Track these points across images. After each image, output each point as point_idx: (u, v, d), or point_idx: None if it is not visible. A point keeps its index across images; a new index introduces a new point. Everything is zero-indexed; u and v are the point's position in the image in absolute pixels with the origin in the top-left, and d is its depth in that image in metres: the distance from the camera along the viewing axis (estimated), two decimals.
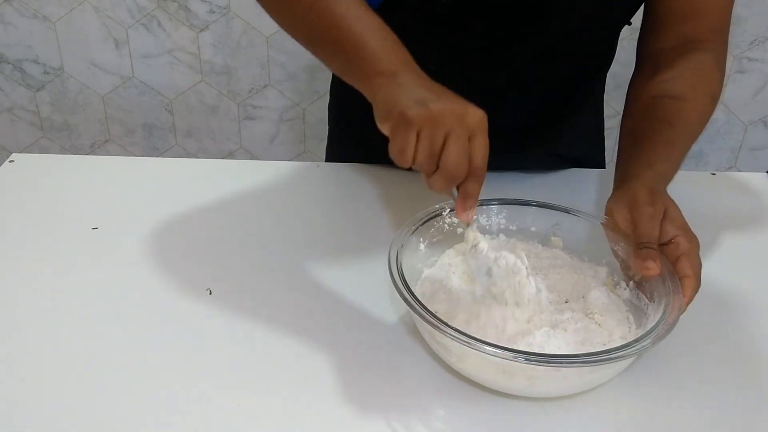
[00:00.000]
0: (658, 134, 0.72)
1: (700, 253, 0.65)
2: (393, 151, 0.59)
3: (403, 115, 0.57)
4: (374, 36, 0.63)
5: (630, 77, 0.85)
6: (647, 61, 0.81)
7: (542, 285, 0.65)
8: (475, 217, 0.63)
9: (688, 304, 0.61)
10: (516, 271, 0.61)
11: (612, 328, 0.63)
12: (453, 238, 0.72)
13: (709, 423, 0.60)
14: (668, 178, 0.70)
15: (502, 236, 0.73)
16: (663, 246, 0.64)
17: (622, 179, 0.70)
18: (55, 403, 0.59)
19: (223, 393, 0.61)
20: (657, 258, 0.61)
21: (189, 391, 0.61)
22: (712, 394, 0.62)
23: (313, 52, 0.68)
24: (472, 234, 0.64)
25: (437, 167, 0.58)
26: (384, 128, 0.60)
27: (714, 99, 0.77)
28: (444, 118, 0.57)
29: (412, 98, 0.58)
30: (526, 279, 0.61)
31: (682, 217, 0.65)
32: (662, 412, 0.60)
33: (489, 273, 0.62)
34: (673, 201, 0.66)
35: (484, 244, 0.63)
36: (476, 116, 0.58)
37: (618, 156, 0.77)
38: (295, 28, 0.69)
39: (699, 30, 0.78)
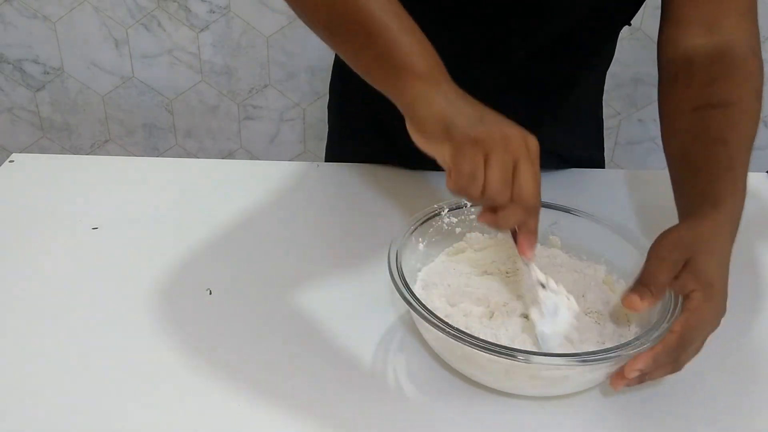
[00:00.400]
0: (715, 158, 0.64)
1: None
2: (459, 177, 0.51)
3: (468, 135, 0.51)
4: (411, 34, 0.57)
5: (659, 85, 0.76)
6: (677, 63, 0.72)
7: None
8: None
9: (652, 359, 0.54)
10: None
11: (611, 326, 0.63)
12: (451, 238, 0.72)
13: (709, 421, 0.60)
14: (738, 210, 0.63)
15: (500, 234, 0.73)
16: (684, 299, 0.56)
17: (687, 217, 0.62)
18: (54, 402, 0.59)
19: (223, 393, 0.61)
20: (647, 298, 0.55)
21: (188, 391, 0.61)
22: (712, 393, 0.62)
23: (335, 45, 0.61)
24: (535, 271, 0.59)
25: (510, 197, 0.52)
26: (434, 149, 0.54)
27: (759, 94, 0.68)
28: (512, 141, 0.51)
29: (470, 114, 0.52)
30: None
31: (710, 271, 0.56)
32: (663, 410, 0.60)
33: (556, 311, 0.59)
34: (710, 251, 0.57)
35: (552, 282, 0.58)
36: (534, 142, 0.53)
37: (673, 182, 0.69)
38: (323, 12, 0.60)
39: (725, 15, 0.70)
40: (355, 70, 0.61)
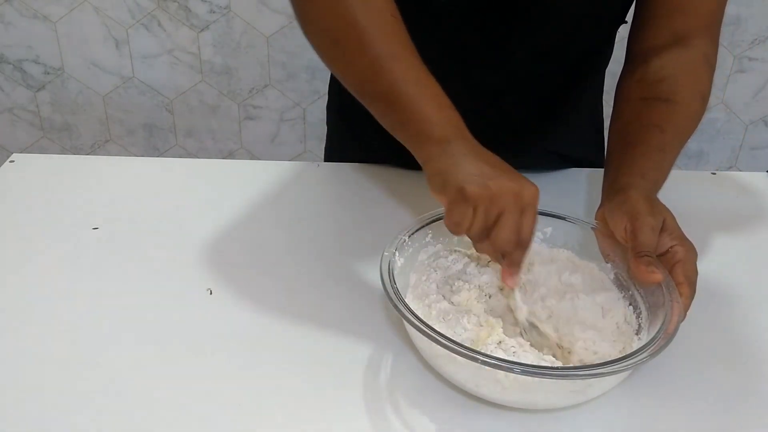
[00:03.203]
0: (650, 140, 0.72)
1: (700, 254, 0.65)
2: (449, 223, 0.60)
3: (463, 191, 0.58)
4: (429, 102, 0.63)
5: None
6: (636, 58, 0.80)
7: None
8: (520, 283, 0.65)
9: (685, 311, 0.61)
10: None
11: (614, 333, 0.63)
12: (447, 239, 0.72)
13: (708, 427, 0.60)
14: (659, 187, 0.71)
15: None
16: (660, 256, 0.64)
17: (615, 188, 0.70)
18: (54, 402, 0.59)
19: (222, 392, 0.61)
20: (658, 265, 0.62)
21: (189, 391, 0.61)
22: (712, 397, 0.62)
23: (364, 104, 0.67)
24: (516, 299, 0.65)
25: (488, 238, 0.60)
26: (439, 199, 0.62)
27: (704, 98, 0.76)
28: (501, 196, 0.58)
29: (470, 172, 0.59)
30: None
31: (678, 227, 0.65)
32: (660, 419, 0.60)
33: (533, 329, 0.64)
34: (669, 211, 0.66)
35: (523, 311, 0.65)
36: (530, 193, 0.60)
37: (607, 158, 0.76)
38: (349, 78, 0.68)
39: (689, 25, 0.77)
40: (384, 126, 0.67)
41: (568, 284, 0.68)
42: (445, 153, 0.61)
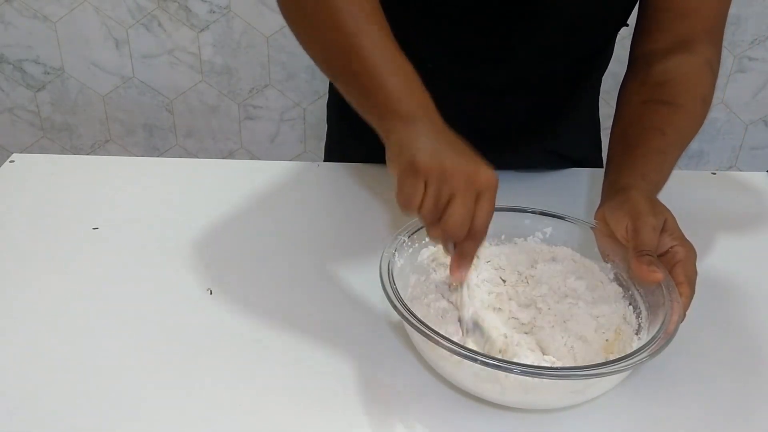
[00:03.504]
0: (651, 143, 0.72)
1: (700, 254, 0.65)
2: (399, 196, 0.58)
3: (413, 163, 0.57)
4: (396, 75, 0.62)
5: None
6: (639, 62, 0.80)
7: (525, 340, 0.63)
8: (468, 276, 0.62)
9: (684, 311, 0.61)
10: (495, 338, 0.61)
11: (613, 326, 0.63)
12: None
13: (708, 425, 0.60)
14: (660, 188, 0.71)
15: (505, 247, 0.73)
16: (660, 256, 0.64)
17: (615, 188, 0.69)
18: (53, 402, 0.59)
19: (223, 393, 0.61)
20: (659, 265, 0.62)
21: (189, 391, 0.61)
22: (712, 397, 0.62)
23: (330, 78, 0.66)
24: (463, 295, 0.62)
25: (439, 220, 0.58)
26: (392, 170, 0.60)
27: (706, 103, 0.76)
28: (454, 175, 0.56)
29: (427, 147, 0.58)
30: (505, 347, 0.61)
31: (679, 227, 0.65)
32: (660, 419, 0.60)
33: (477, 329, 0.62)
34: (669, 211, 0.66)
35: (469, 309, 0.62)
36: (487, 177, 0.58)
37: (608, 159, 0.76)
38: (320, 54, 0.67)
39: (692, 30, 0.78)
40: (350, 104, 0.65)
41: (572, 288, 0.68)
42: (407, 129, 0.60)
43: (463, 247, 0.60)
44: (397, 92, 0.61)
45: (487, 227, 0.59)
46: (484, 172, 0.58)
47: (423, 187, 0.57)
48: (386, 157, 0.61)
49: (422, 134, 0.59)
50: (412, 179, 0.57)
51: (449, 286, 0.65)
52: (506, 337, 0.60)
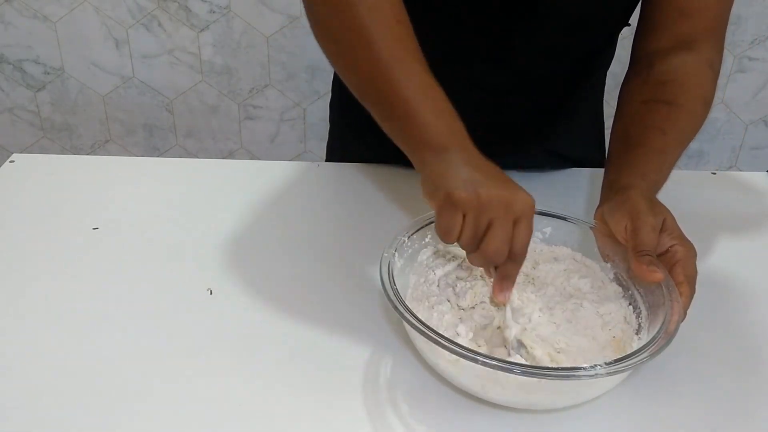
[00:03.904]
0: (651, 142, 0.72)
1: (700, 254, 0.65)
2: (438, 229, 0.60)
3: (451, 197, 0.58)
4: (430, 109, 0.62)
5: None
6: (641, 61, 0.80)
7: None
8: (511, 297, 0.63)
9: (684, 311, 0.61)
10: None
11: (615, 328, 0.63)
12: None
13: (708, 425, 0.60)
14: (659, 188, 0.71)
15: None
16: (660, 256, 0.64)
17: (615, 188, 0.70)
18: (53, 402, 0.59)
19: (223, 392, 0.61)
20: (659, 265, 0.62)
21: (189, 391, 0.61)
22: (712, 397, 0.62)
23: (365, 106, 0.67)
24: (506, 316, 0.63)
25: (479, 248, 0.59)
26: (430, 204, 0.61)
27: (707, 103, 0.76)
28: (491, 204, 0.58)
29: (461, 179, 0.59)
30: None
31: (678, 227, 0.65)
32: (660, 419, 0.60)
33: (521, 347, 0.63)
34: (669, 211, 0.66)
35: (513, 330, 0.62)
36: (523, 203, 0.59)
37: (608, 159, 0.76)
38: (352, 80, 0.68)
39: (694, 30, 0.78)
40: (377, 123, 0.67)
41: (576, 288, 0.68)
42: (440, 160, 0.61)
43: (504, 269, 0.61)
44: (430, 124, 0.62)
45: (526, 250, 0.61)
46: (521, 196, 0.59)
47: (461, 218, 0.58)
48: (422, 189, 0.62)
49: (455, 164, 0.60)
50: (450, 213, 0.58)
51: (492, 304, 0.66)
52: (550, 355, 0.61)
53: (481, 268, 0.66)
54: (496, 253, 0.59)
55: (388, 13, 0.65)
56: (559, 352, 0.61)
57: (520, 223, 0.59)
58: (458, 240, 0.60)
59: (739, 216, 0.90)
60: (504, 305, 0.63)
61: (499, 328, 0.63)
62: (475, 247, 0.60)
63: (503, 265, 0.61)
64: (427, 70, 0.64)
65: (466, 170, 0.60)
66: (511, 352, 0.61)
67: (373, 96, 0.66)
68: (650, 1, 0.80)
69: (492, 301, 0.66)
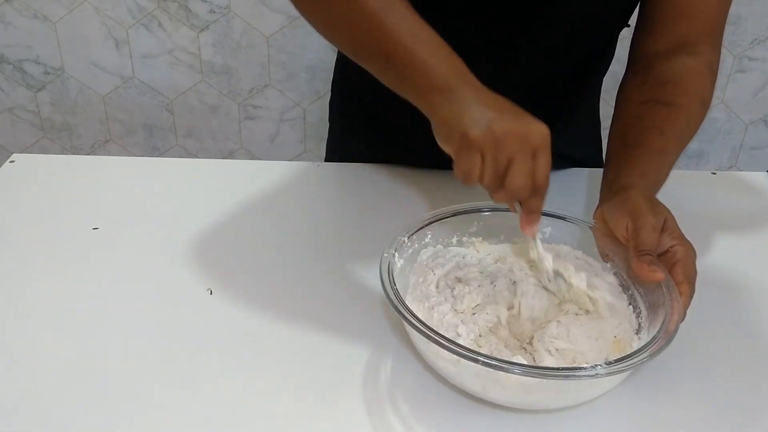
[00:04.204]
0: (650, 142, 0.72)
1: (700, 254, 0.65)
2: (458, 173, 0.59)
3: (466, 138, 0.57)
4: (426, 49, 0.62)
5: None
6: (639, 63, 0.80)
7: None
8: (538, 231, 0.64)
9: (684, 310, 0.61)
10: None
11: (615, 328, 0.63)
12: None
13: (709, 425, 0.60)
14: (659, 188, 0.71)
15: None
16: (660, 256, 0.64)
17: (615, 188, 0.70)
18: (53, 402, 0.59)
19: (223, 392, 0.61)
20: (659, 264, 0.62)
21: (189, 390, 0.61)
22: (713, 397, 0.62)
23: (362, 64, 0.66)
24: (538, 248, 0.65)
25: (502, 185, 0.59)
26: (447, 149, 0.61)
27: (705, 104, 0.77)
28: (508, 139, 0.57)
29: (474, 118, 0.58)
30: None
31: (678, 227, 0.66)
32: (661, 419, 0.60)
33: (559, 276, 0.64)
34: (669, 211, 0.66)
35: (548, 261, 0.64)
36: (539, 134, 0.58)
37: (607, 159, 0.76)
38: (343, 38, 0.67)
39: (692, 32, 0.78)
40: (386, 85, 0.65)
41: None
42: (448, 101, 0.60)
43: (529, 204, 0.61)
44: (432, 65, 0.61)
45: (548, 180, 0.60)
46: (536, 127, 0.58)
47: (480, 159, 0.58)
48: (435, 134, 0.61)
49: (465, 104, 0.59)
50: (467, 154, 0.58)
51: (521, 240, 0.67)
52: (587, 293, 0.62)
53: (483, 251, 0.68)
54: (521, 189, 0.59)
55: None
56: (593, 295, 0.62)
57: (539, 154, 0.59)
58: (480, 181, 0.59)
59: (739, 216, 0.90)
60: (534, 238, 0.64)
61: (533, 264, 0.65)
62: (498, 185, 0.59)
63: (528, 200, 0.61)
64: (415, 13, 0.63)
65: (477, 108, 0.59)
66: (549, 281, 0.64)
67: (367, 50, 0.65)
68: (649, 2, 0.80)
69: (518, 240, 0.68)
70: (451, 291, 0.67)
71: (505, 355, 0.61)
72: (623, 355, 0.55)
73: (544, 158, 0.59)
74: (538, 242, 0.64)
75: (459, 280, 0.68)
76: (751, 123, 2.07)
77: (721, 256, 0.81)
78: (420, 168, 0.96)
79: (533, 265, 0.67)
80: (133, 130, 2.07)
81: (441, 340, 0.54)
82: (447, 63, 0.62)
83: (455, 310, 0.65)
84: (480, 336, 0.63)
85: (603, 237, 0.69)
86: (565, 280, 0.64)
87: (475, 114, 0.58)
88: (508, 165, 0.58)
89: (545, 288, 0.66)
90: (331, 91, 1.06)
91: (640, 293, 0.65)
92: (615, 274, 0.68)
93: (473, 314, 0.65)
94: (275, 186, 0.93)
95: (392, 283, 0.60)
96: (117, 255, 0.79)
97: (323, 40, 0.70)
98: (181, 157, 2.08)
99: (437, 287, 0.67)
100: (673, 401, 0.62)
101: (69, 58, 1.94)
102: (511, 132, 0.57)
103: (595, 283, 0.64)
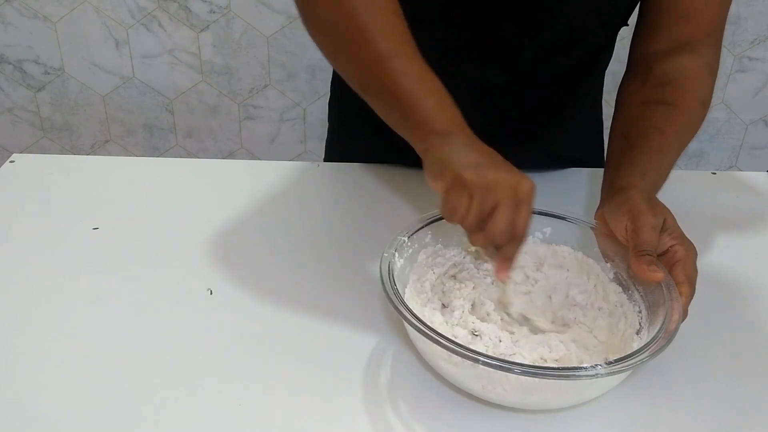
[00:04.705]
0: (650, 142, 0.72)
1: (700, 254, 0.65)
2: (444, 209, 0.61)
3: (460, 177, 0.59)
4: (430, 98, 0.65)
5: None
6: (639, 63, 0.81)
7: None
8: (510, 277, 0.66)
9: (684, 310, 0.61)
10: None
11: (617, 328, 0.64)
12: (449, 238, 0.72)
13: (709, 425, 0.60)
14: (659, 188, 0.71)
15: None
16: (660, 255, 0.64)
17: (615, 188, 0.70)
18: (53, 402, 0.59)
19: (223, 392, 0.61)
20: (659, 264, 0.62)
21: (188, 391, 0.61)
22: (713, 397, 0.62)
23: (366, 100, 0.69)
24: (508, 293, 0.67)
25: (483, 228, 0.61)
26: (435, 186, 0.62)
27: (705, 106, 0.77)
28: (498, 187, 0.59)
29: (469, 161, 0.60)
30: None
31: (678, 227, 0.66)
32: (661, 419, 0.60)
33: (526, 322, 0.66)
34: (669, 210, 0.67)
35: (516, 307, 0.66)
36: (526, 187, 0.60)
37: (607, 159, 0.77)
38: (351, 75, 0.70)
39: (693, 32, 0.78)
40: (385, 121, 0.68)
41: (573, 303, 0.69)
42: (446, 143, 0.62)
43: (505, 250, 0.63)
44: (433, 112, 0.64)
45: (527, 232, 0.62)
46: (524, 182, 0.60)
47: (468, 199, 0.59)
48: (425, 172, 0.63)
49: (461, 148, 0.62)
50: (457, 193, 0.60)
51: (493, 284, 0.69)
52: (555, 327, 0.63)
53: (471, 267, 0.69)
54: (501, 234, 0.60)
55: (384, 5, 0.66)
56: (564, 325, 0.63)
57: (522, 206, 0.60)
58: (463, 220, 0.61)
59: (739, 216, 0.90)
60: (505, 283, 0.66)
61: (501, 304, 0.66)
62: (479, 227, 0.61)
63: (505, 247, 0.62)
64: (422, 60, 0.66)
65: (473, 154, 0.62)
66: (517, 327, 0.64)
67: (373, 89, 0.68)
68: (649, 2, 0.80)
69: (493, 282, 0.69)
70: (442, 288, 0.67)
71: (504, 336, 0.62)
72: (623, 355, 0.55)
73: (527, 210, 0.61)
74: (510, 288, 0.66)
75: (455, 278, 0.69)
76: (751, 123, 2.07)
77: (721, 256, 0.81)
78: (420, 168, 0.96)
79: (503, 308, 0.68)
80: (133, 130, 2.07)
81: (441, 340, 0.54)
82: (449, 112, 0.65)
83: (443, 305, 0.66)
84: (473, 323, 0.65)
85: (604, 237, 0.69)
86: (532, 326, 0.65)
87: (470, 158, 0.61)
88: (492, 210, 0.60)
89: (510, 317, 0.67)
90: (330, 91, 1.06)
91: (640, 293, 0.65)
92: (615, 274, 0.68)
93: (461, 318, 0.65)
94: (275, 186, 0.93)
95: (392, 283, 0.60)
96: (117, 255, 0.79)
97: None
98: (181, 157, 2.08)
99: (432, 286, 0.67)
100: (673, 401, 0.62)
101: (69, 58, 1.94)
102: (501, 180, 0.59)
103: (568, 322, 0.65)
